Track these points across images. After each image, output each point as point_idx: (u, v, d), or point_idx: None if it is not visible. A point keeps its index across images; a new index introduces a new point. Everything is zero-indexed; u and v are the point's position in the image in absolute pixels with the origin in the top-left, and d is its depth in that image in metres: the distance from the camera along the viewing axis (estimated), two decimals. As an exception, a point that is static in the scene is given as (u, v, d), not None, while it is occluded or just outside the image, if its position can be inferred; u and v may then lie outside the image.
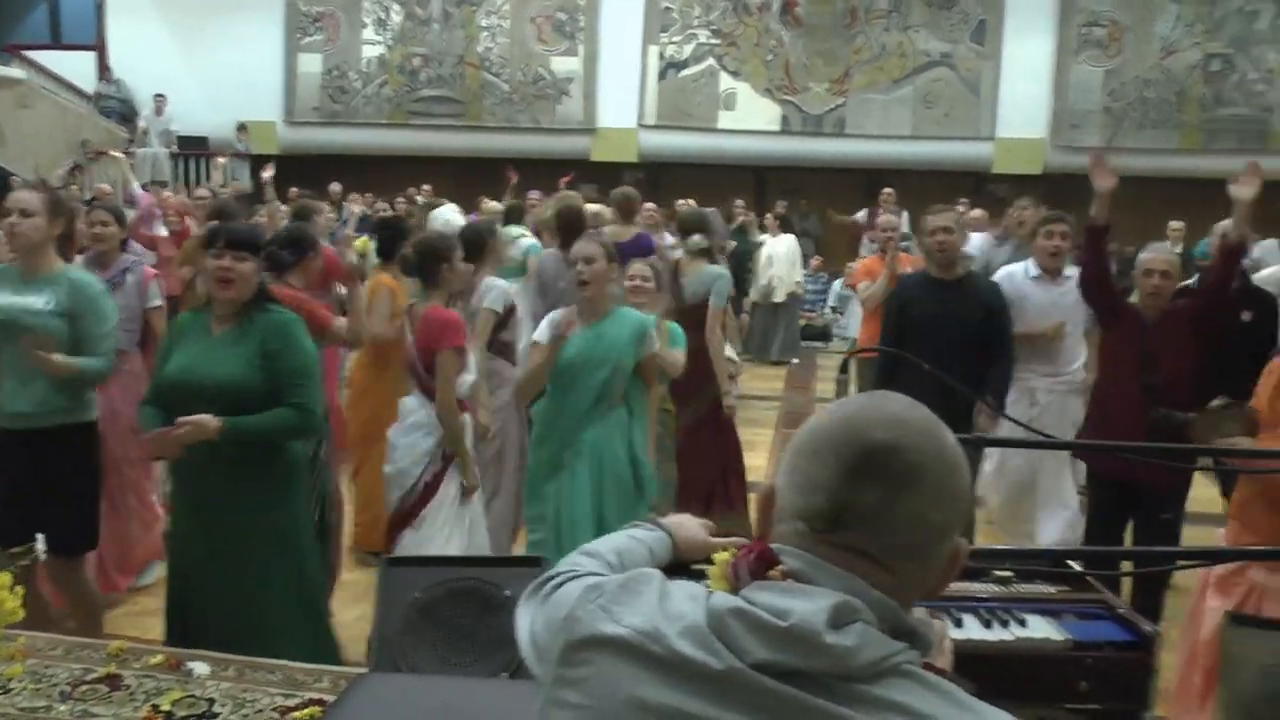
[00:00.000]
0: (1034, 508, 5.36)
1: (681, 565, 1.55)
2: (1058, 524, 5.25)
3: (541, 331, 4.37)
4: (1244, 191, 4.23)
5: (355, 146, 15.73)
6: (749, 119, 15.26)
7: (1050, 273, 5.23)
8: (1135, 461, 4.06)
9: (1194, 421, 3.46)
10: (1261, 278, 5.53)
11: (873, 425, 1.10)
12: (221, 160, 10.56)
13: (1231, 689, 3.35)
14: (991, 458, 5.48)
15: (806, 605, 1.03)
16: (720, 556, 1.18)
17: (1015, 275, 5.39)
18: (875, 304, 6.14)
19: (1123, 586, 4.68)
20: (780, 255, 11.88)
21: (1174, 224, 11.21)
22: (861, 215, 11.55)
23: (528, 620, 1.27)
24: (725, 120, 15.36)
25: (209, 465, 3.31)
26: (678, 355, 4.90)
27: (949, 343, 4.61)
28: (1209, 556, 3.48)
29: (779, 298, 11.81)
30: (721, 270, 6.08)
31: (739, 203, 12.46)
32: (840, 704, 0.99)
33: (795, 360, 11.72)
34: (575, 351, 4.22)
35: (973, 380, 4.58)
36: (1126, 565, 4.78)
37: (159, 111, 15.50)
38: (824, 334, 13.15)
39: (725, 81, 15.41)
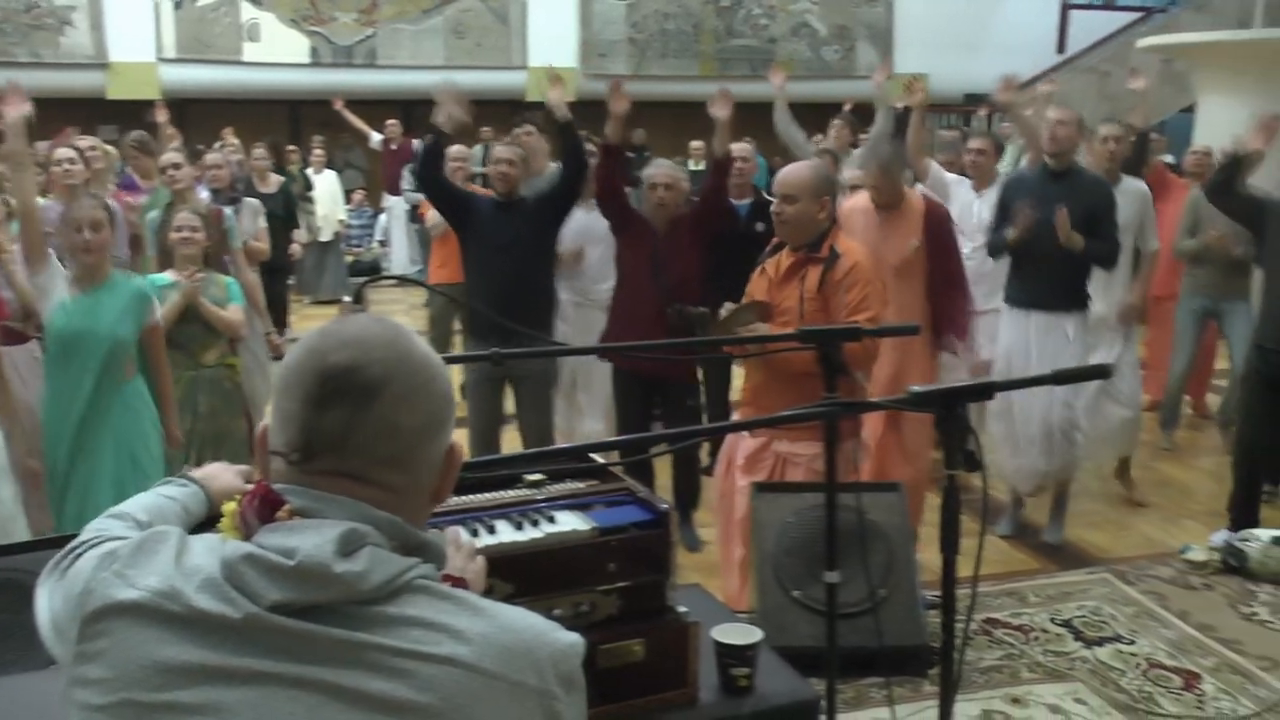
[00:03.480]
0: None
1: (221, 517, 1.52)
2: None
3: None
4: (720, 112, 4.82)
5: None
6: (276, 51, 14.50)
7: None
8: (653, 356, 4.53)
9: (720, 321, 3.86)
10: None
11: (330, 349, 1.11)
12: None
13: (759, 549, 3.81)
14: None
15: (312, 539, 1.04)
16: (228, 506, 1.17)
17: None
18: (443, 230, 6.26)
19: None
20: (324, 194, 11.60)
21: (694, 144, 12.15)
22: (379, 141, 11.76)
23: (46, 599, 1.19)
24: (251, 52, 14.48)
25: None
26: (233, 312, 4.70)
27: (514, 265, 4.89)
28: (723, 429, 3.93)
29: (326, 236, 11.57)
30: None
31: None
32: (358, 629, 1.02)
33: (346, 299, 11.55)
34: (65, 323, 3.97)
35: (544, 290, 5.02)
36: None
37: None
38: (373, 269, 12.94)
39: (247, 11, 14.49)
